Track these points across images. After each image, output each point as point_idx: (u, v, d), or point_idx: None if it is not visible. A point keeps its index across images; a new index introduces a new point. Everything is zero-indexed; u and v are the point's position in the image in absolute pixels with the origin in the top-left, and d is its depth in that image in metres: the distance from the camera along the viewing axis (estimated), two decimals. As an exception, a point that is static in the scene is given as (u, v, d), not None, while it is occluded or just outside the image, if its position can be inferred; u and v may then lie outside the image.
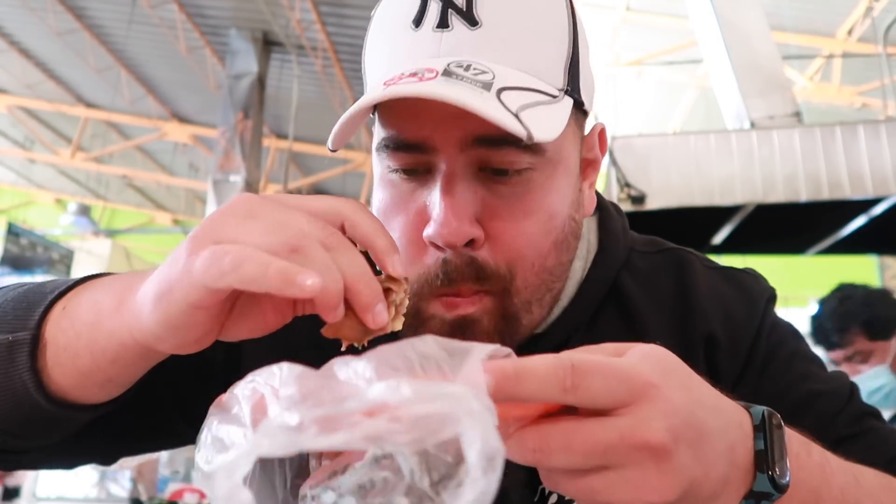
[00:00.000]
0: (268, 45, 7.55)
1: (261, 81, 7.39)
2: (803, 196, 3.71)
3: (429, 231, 0.55)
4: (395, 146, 0.56)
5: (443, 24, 0.54)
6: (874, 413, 0.66)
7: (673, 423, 0.36)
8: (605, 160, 4.19)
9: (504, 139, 0.52)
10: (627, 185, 3.80)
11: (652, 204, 3.79)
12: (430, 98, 0.49)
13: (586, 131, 0.65)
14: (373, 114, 0.60)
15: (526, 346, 0.64)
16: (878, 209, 3.97)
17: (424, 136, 0.55)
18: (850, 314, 2.14)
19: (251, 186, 7.10)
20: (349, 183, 10.96)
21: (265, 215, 0.43)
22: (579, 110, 0.60)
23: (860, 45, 7.33)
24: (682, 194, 3.81)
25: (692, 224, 4.20)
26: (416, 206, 0.57)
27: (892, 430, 0.65)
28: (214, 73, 8.21)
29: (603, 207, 0.71)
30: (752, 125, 3.98)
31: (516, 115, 0.50)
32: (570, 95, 0.57)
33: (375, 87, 0.55)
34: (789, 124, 3.92)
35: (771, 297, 0.71)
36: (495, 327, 0.57)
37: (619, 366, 0.36)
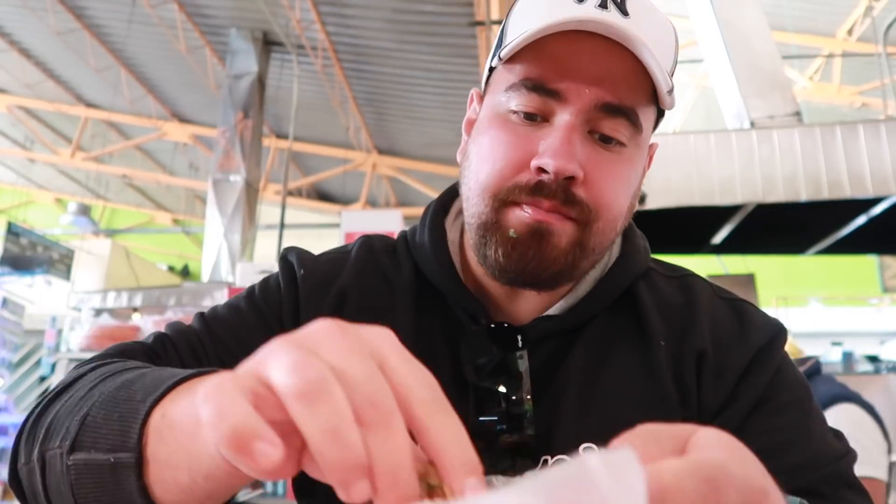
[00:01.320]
0: (268, 44, 7.55)
1: (261, 81, 7.39)
2: (803, 196, 3.71)
3: (541, 159, 0.62)
4: (532, 87, 0.64)
5: (603, 5, 0.63)
6: (857, 488, 0.63)
7: None
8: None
9: (622, 111, 0.63)
10: (627, 184, 3.80)
11: (652, 203, 3.79)
12: (622, 33, 0.60)
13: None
14: (492, 65, 0.70)
15: (539, 321, 0.70)
16: (877, 209, 3.97)
17: (564, 87, 0.63)
18: None
19: (251, 186, 7.10)
20: (349, 182, 10.95)
21: (329, 345, 0.34)
22: (658, 118, 0.71)
23: (860, 44, 7.33)
24: (682, 194, 3.81)
25: (692, 224, 4.21)
26: (526, 140, 0.65)
27: None
28: (214, 72, 8.22)
29: (629, 226, 0.78)
30: (753, 125, 3.98)
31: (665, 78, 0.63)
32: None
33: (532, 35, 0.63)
34: (789, 124, 3.93)
35: (776, 334, 0.70)
36: (571, 251, 0.65)
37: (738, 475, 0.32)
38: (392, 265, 0.77)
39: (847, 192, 3.69)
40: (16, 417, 5.62)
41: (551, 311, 0.71)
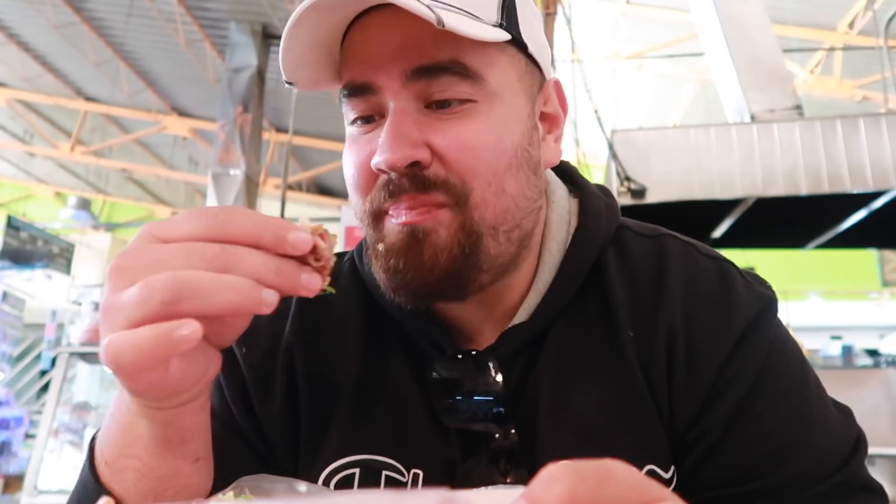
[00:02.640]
0: (267, 38, 7.52)
1: (260, 75, 7.37)
2: (803, 189, 3.71)
3: (375, 158, 0.56)
4: (349, 92, 0.60)
5: None
6: (872, 488, 0.56)
7: None
8: (605, 154, 4.13)
9: (441, 67, 0.55)
10: (627, 178, 3.80)
11: (652, 197, 3.79)
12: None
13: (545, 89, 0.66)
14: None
15: (507, 336, 0.62)
16: (878, 203, 3.97)
17: (369, 76, 0.57)
18: None
19: (251, 180, 7.10)
20: (349, 176, 10.95)
21: (140, 276, 0.43)
22: (526, 55, 0.61)
23: (861, 37, 7.31)
24: (683, 188, 3.81)
25: (692, 218, 4.21)
26: (365, 145, 0.59)
27: None
28: (214, 66, 8.19)
29: (583, 188, 0.69)
30: (753, 118, 3.97)
31: (431, 9, 0.52)
32: (507, 31, 0.58)
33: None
34: (790, 117, 3.92)
35: (764, 307, 0.61)
36: (456, 241, 0.56)
37: None
38: (339, 299, 0.67)
39: (847, 185, 3.68)
40: (16, 411, 5.63)
41: (517, 319, 0.63)
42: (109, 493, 0.50)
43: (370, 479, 0.61)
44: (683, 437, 0.59)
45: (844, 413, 0.60)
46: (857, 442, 0.58)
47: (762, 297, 0.62)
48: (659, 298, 0.61)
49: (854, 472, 0.56)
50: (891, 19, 5.40)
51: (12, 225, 8.70)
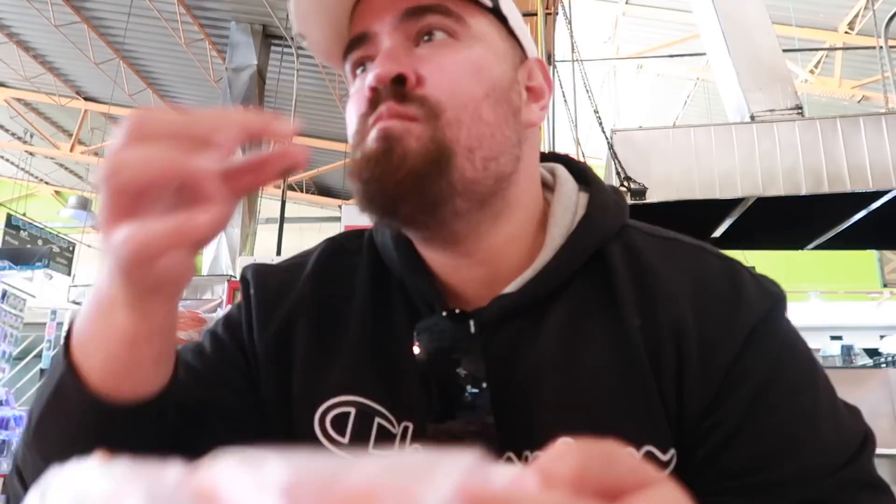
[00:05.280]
0: (267, 37, 7.53)
1: (260, 74, 7.38)
2: (804, 189, 3.71)
3: (366, 78, 0.60)
4: (349, 47, 0.65)
5: None
6: (879, 485, 0.56)
7: None
8: (605, 153, 4.11)
9: (427, 7, 0.61)
10: (628, 178, 3.80)
11: (652, 197, 3.79)
12: None
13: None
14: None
15: (495, 301, 0.63)
16: (878, 203, 3.96)
17: (365, 25, 0.63)
18: None
19: (251, 180, 7.10)
20: (349, 176, 10.95)
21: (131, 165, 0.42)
22: (506, 28, 0.66)
23: (861, 38, 7.32)
24: (683, 188, 3.81)
25: (692, 218, 4.20)
26: (362, 88, 0.63)
27: None
28: (214, 66, 8.20)
29: (594, 184, 0.70)
30: (753, 118, 3.97)
31: None
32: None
33: None
34: (790, 117, 3.92)
35: (775, 304, 0.61)
36: (425, 149, 0.57)
37: None
38: (355, 265, 0.72)
39: (847, 185, 3.68)
40: (16, 411, 5.63)
41: (508, 289, 0.64)
42: (76, 372, 0.50)
43: (363, 422, 0.63)
44: (697, 427, 0.59)
45: (853, 412, 0.60)
46: (866, 439, 0.58)
47: (772, 295, 0.62)
48: (666, 290, 0.61)
49: (862, 468, 0.56)
50: (891, 19, 5.40)
51: (12, 224, 8.71)
